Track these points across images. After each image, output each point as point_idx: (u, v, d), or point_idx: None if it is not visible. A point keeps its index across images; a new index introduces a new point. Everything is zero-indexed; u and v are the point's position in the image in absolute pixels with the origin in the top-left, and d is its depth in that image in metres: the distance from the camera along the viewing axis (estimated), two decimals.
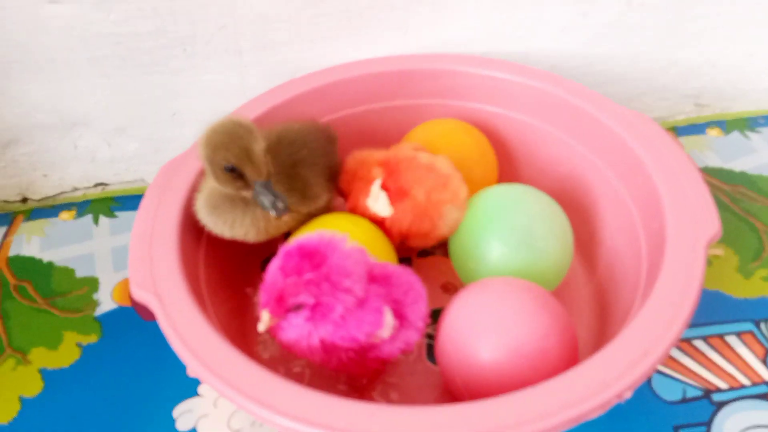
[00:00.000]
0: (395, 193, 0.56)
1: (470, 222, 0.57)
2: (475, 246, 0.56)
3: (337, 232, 0.46)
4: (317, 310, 0.44)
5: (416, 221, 0.56)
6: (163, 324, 0.46)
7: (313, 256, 0.43)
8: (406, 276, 0.49)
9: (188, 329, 0.45)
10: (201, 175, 0.55)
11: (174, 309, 0.46)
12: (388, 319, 0.46)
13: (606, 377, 0.40)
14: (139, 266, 0.49)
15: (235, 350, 0.44)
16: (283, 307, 0.44)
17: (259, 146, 0.49)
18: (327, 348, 0.46)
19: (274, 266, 0.44)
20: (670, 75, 0.78)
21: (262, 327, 0.44)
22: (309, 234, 0.46)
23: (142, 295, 0.48)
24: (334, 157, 0.60)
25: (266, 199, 0.49)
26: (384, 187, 0.57)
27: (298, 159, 0.56)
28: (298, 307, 0.44)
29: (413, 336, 0.49)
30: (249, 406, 0.41)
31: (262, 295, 0.45)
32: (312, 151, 0.57)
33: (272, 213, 0.49)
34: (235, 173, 0.49)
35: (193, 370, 0.43)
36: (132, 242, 0.51)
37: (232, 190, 0.50)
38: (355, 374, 0.52)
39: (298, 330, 0.45)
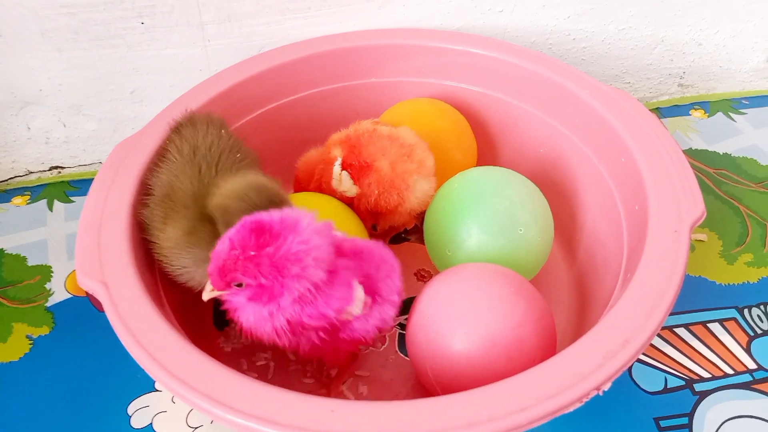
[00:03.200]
0: (359, 168, 0.54)
1: (447, 206, 0.54)
2: (451, 232, 0.53)
3: (305, 210, 0.42)
4: (260, 293, 0.41)
5: (383, 194, 0.53)
6: (110, 314, 0.42)
7: (262, 233, 0.39)
8: (378, 250, 0.46)
9: (137, 320, 0.42)
10: (158, 154, 0.52)
11: (122, 299, 0.43)
12: (359, 294, 0.43)
13: (583, 369, 0.38)
14: (87, 253, 0.46)
15: (187, 343, 0.40)
16: (223, 280, 0.40)
17: None
18: (294, 329, 0.42)
19: (227, 234, 0.41)
20: (654, 54, 0.76)
21: (205, 296, 0.42)
22: (266, 213, 0.42)
23: (88, 284, 0.44)
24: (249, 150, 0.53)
25: None
26: (346, 164, 0.54)
27: (241, 166, 0.50)
28: (240, 285, 0.41)
29: (389, 311, 0.45)
30: (201, 404, 0.37)
31: (211, 262, 0.41)
32: (243, 153, 0.51)
33: None
34: None
35: (142, 364, 0.40)
36: (80, 227, 0.48)
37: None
38: (328, 360, 0.48)
39: (256, 311, 0.41)
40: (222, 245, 0.40)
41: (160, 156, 0.51)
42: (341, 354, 0.48)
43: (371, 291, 0.44)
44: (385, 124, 0.56)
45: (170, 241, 0.46)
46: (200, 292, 0.46)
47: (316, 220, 0.42)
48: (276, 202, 0.44)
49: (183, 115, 0.53)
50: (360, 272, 0.44)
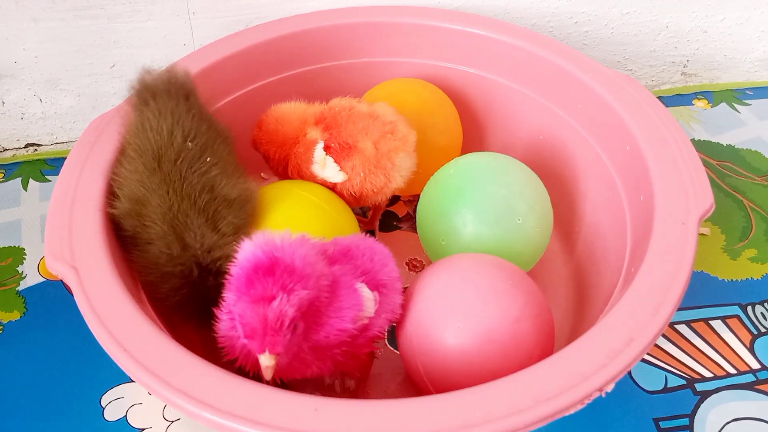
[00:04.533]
0: (340, 150, 0.50)
1: (441, 194, 0.51)
2: (446, 221, 0.50)
3: (266, 234, 0.38)
4: (308, 317, 0.38)
5: (369, 177, 0.51)
6: (80, 301, 0.39)
7: (278, 267, 0.36)
8: (364, 242, 0.44)
9: (108, 308, 0.39)
10: (119, 147, 0.47)
11: (93, 285, 0.40)
12: (366, 294, 0.41)
13: (585, 368, 0.35)
14: (56, 234, 0.43)
15: (161, 333, 0.38)
16: (282, 336, 0.36)
17: None
18: (319, 354, 0.40)
19: (242, 305, 0.36)
20: (658, 40, 0.73)
21: (269, 374, 0.37)
22: (245, 251, 0.37)
23: (57, 268, 0.41)
24: (223, 131, 0.49)
25: None
26: (326, 147, 0.50)
27: (209, 178, 0.46)
28: (293, 327, 0.37)
29: (396, 299, 0.43)
30: (174, 399, 0.35)
31: (250, 344, 0.37)
32: (215, 153, 0.47)
33: None
34: None
35: (111, 355, 0.37)
36: (51, 207, 0.45)
37: None
38: (350, 369, 0.45)
39: (289, 351, 0.38)
40: (250, 314, 0.35)
41: (120, 148, 0.47)
42: (362, 359, 0.45)
43: (374, 285, 0.42)
44: (361, 100, 0.53)
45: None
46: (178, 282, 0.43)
47: (287, 235, 0.38)
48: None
49: (141, 82, 0.48)
50: (357, 272, 0.42)
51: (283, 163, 0.54)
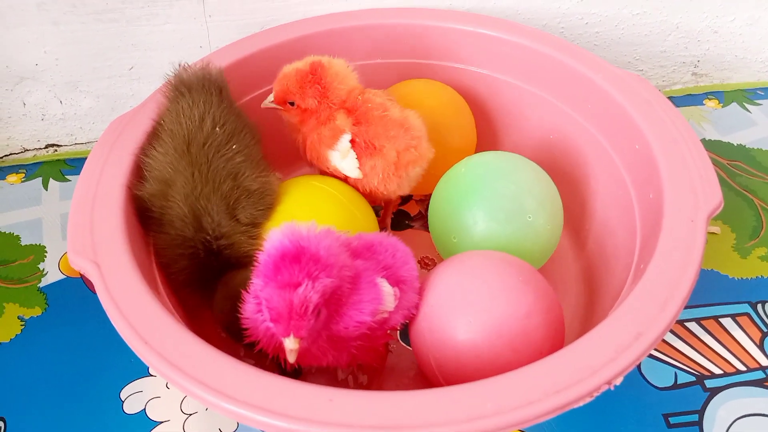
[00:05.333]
0: (365, 147, 0.51)
1: (452, 192, 0.52)
2: (457, 218, 0.51)
3: (298, 222, 0.40)
4: (331, 304, 0.39)
5: (385, 180, 0.52)
6: (102, 296, 0.41)
7: (304, 255, 0.37)
8: (387, 239, 0.45)
9: (129, 302, 0.40)
10: (153, 132, 0.50)
11: (114, 280, 0.41)
12: (387, 289, 0.42)
13: (594, 362, 0.36)
14: (79, 231, 0.44)
15: (181, 327, 0.39)
16: (307, 321, 0.37)
17: None
18: (336, 345, 0.41)
19: (269, 290, 0.37)
20: (669, 41, 0.73)
21: (293, 357, 0.38)
22: (273, 239, 0.39)
23: (80, 263, 0.42)
24: (250, 124, 0.52)
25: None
26: (352, 140, 0.51)
27: (234, 165, 0.48)
28: (317, 313, 0.38)
29: (413, 297, 0.44)
30: (194, 390, 0.36)
31: (276, 327, 0.38)
32: (241, 142, 0.49)
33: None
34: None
35: (133, 348, 0.38)
36: (73, 205, 0.46)
37: None
38: (366, 361, 0.46)
39: (310, 335, 0.39)
40: (276, 298, 0.37)
41: (154, 133, 0.49)
42: (378, 351, 0.46)
43: (395, 281, 0.43)
44: (394, 101, 0.53)
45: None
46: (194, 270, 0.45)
47: (316, 227, 0.40)
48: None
49: (177, 77, 0.50)
50: (379, 267, 0.43)
51: (307, 124, 0.53)
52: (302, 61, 0.52)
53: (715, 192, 0.45)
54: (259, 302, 0.39)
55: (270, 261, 0.38)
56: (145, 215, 0.47)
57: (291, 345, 0.38)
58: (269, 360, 0.43)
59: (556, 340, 0.43)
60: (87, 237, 0.44)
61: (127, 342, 0.39)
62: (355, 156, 0.51)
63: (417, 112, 0.53)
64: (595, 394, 0.36)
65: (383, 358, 0.48)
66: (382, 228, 0.61)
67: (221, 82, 0.51)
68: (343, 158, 0.51)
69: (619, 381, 0.36)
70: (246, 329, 0.41)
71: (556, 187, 0.53)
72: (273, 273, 0.37)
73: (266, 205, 0.49)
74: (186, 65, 0.51)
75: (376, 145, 0.51)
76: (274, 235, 0.39)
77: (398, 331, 0.53)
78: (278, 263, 0.37)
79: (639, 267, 0.45)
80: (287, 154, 0.57)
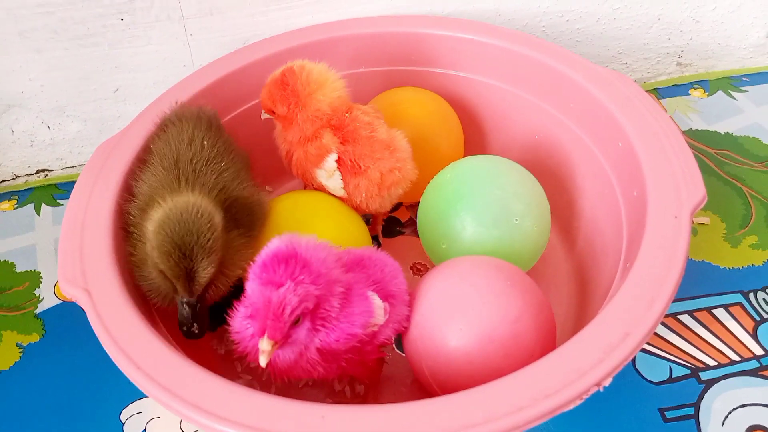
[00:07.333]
0: (350, 167, 0.52)
1: (440, 199, 0.53)
2: (445, 225, 0.51)
3: (293, 234, 0.40)
4: (317, 314, 0.39)
5: (367, 199, 0.52)
6: (94, 322, 0.41)
7: (293, 258, 0.38)
8: (375, 254, 0.45)
9: (121, 328, 0.40)
10: (141, 156, 0.50)
11: (105, 306, 0.42)
12: (377, 302, 0.42)
13: (582, 364, 0.36)
14: (68, 259, 0.44)
15: (173, 351, 0.39)
16: (282, 323, 0.38)
17: (207, 259, 0.42)
18: (326, 357, 0.41)
19: (252, 288, 0.38)
20: (651, 33, 0.73)
21: (264, 360, 0.38)
22: (270, 243, 0.40)
23: (71, 291, 0.43)
24: (240, 150, 0.53)
25: (183, 319, 0.44)
26: (338, 160, 0.51)
27: (222, 178, 0.48)
28: (297, 320, 0.39)
29: (403, 311, 0.45)
30: (187, 413, 0.36)
31: (252, 324, 0.39)
32: (230, 162, 0.49)
33: (182, 330, 0.44)
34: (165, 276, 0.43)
35: (127, 374, 0.39)
36: (62, 233, 0.46)
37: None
38: (359, 375, 0.47)
39: (295, 348, 0.40)
40: (259, 296, 0.37)
41: (142, 159, 0.50)
42: (370, 365, 0.46)
43: (385, 295, 0.43)
44: (381, 119, 0.53)
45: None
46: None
47: (312, 238, 0.40)
48: (197, 232, 0.42)
49: (171, 110, 0.52)
50: (369, 281, 0.43)
51: (290, 131, 0.52)
52: (281, 67, 0.53)
53: (698, 187, 0.45)
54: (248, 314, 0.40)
55: (261, 260, 0.38)
56: (132, 235, 0.47)
57: (264, 346, 0.38)
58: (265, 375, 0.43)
59: (547, 342, 0.44)
60: (77, 264, 0.44)
61: (119, 367, 0.39)
62: (341, 177, 0.52)
63: (403, 133, 0.53)
64: (585, 397, 0.36)
65: (374, 373, 0.48)
66: (374, 235, 0.61)
67: (215, 119, 0.52)
68: (329, 178, 0.52)
69: (608, 382, 0.37)
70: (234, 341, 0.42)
71: (542, 188, 0.53)
72: (260, 270, 0.38)
73: (256, 216, 0.49)
74: (182, 103, 0.53)
75: (362, 166, 0.51)
76: (273, 241, 0.39)
77: (394, 340, 0.53)
78: (266, 262, 0.38)
79: (626, 265, 0.45)
80: (279, 167, 0.57)
